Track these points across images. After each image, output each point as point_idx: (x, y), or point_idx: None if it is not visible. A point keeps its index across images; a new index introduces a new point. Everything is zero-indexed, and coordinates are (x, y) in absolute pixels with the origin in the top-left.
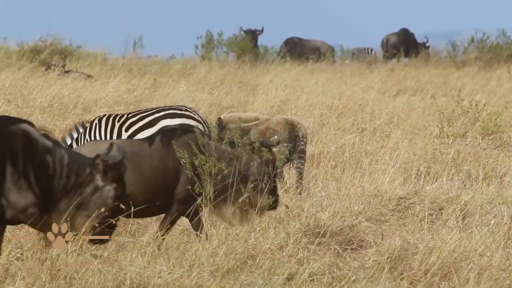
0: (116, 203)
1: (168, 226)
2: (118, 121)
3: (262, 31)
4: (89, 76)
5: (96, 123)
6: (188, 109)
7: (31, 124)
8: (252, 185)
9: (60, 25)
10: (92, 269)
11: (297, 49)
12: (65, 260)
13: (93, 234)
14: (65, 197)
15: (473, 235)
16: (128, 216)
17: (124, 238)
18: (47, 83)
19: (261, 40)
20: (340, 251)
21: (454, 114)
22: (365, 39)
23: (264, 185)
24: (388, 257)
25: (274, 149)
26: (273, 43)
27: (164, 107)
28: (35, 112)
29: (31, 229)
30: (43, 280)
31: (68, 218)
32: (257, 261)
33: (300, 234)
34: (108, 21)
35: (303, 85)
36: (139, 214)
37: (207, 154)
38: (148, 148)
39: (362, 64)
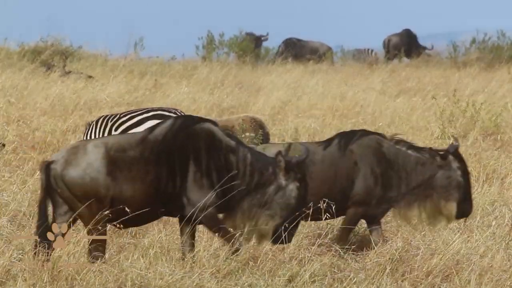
0: (300, 204)
1: (347, 231)
2: (111, 121)
3: (267, 37)
4: (90, 77)
5: (93, 124)
6: (178, 112)
7: (214, 123)
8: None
9: (61, 26)
10: (93, 270)
11: (295, 50)
12: (66, 261)
13: (273, 236)
14: (248, 196)
15: (474, 237)
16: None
17: (125, 239)
18: (48, 84)
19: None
20: (341, 252)
21: (454, 114)
22: (366, 40)
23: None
24: (389, 259)
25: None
26: (274, 44)
27: (154, 107)
28: (36, 113)
29: (32, 230)
30: (44, 281)
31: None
32: (258, 262)
33: (301, 235)
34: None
35: (304, 86)
36: (306, 217)
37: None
38: (321, 151)
39: (363, 65)
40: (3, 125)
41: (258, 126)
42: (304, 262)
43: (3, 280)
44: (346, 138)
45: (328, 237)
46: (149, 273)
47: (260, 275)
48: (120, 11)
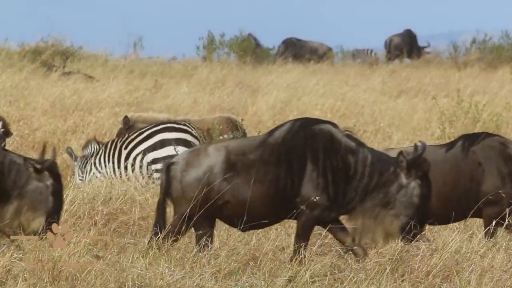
0: (423, 201)
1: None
2: (119, 141)
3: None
4: (90, 77)
5: (103, 148)
6: (187, 124)
7: (334, 125)
8: None
9: (61, 26)
10: (94, 270)
11: (295, 50)
12: (67, 261)
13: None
14: (370, 196)
15: (474, 237)
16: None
17: (125, 239)
18: (49, 84)
19: (261, 41)
20: (342, 252)
21: (455, 115)
22: (366, 40)
23: None
24: (389, 259)
25: None
26: (274, 44)
27: (164, 121)
28: (36, 113)
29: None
30: (45, 281)
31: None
32: (258, 262)
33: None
34: (109, 22)
35: (305, 86)
36: (440, 221)
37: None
38: (443, 153)
39: (363, 65)
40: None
41: (234, 126)
42: (305, 262)
43: (3, 280)
44: (470, 140)
45: (329, 237)
46: (150, 273)
47: (260, 275)
48: (121, 11)
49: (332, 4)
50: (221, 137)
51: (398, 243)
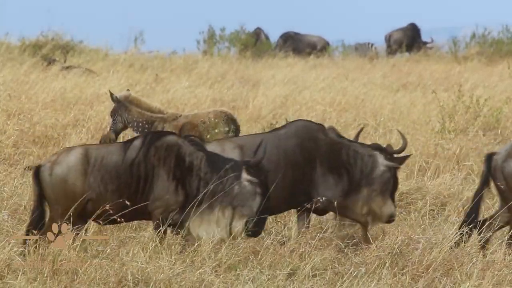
0: None
1: None
2: None
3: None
4: (90, 71)
5: None
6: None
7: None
8: None
9: (62, 20)
10: (94, 264)
11: (293, 44)
12: (67, 255)
13: None
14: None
15: (474, 231)
16: None
17: (126, 233)
18: (49, 78)
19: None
20: (342, 246)
21: (456, 109)
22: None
23: None
24: (389, 253)
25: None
26: (274, 38)
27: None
28: (37, 107)
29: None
30: (45, 275)
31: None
32: (259, 256)
33: (302, 229)
34: (109, 16)
35: (305, 80)
36: None
37: None
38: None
39: (364, 59)
40: (3, 119)
41: (230, 119)
42: (305, 256)
43: (4, 274)
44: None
45: (329, 231)
46: (150, 267)
47: (261, 269)
48: (121, 5)
49: None
50: (216, 131)
51: (398, 237)
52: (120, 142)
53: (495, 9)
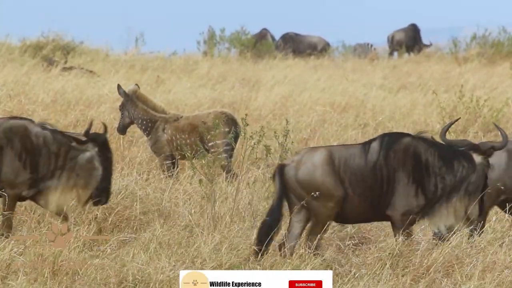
0: None
1: None
2: None
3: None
4: (91, 72)
5: None
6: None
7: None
8: None
9: (62, 21)
10: (94, 265)
11: (293, 45)
12: (67, 256)
13: None
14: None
15: (475, 232)
16: None
17: (126, 234)
18: (49, 79)
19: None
20: (342, 247)
21: (456, 110)
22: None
23: None
24: (390, 253)
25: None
26: (275, 39)
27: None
28: (38, 108)
29: (32, 224)
30: (45, 276)
31: None
32: (259, 257)
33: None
34: (110, 17)
35: (305, 81)
36: None
37: None
38: None
39: (364, 60)
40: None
41: (231, 120)
42: (305, 257)
43: (4, 275)
44: None
45: (329, 231)
46: (150, 267)
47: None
48: (121, 6)
49: None
50: (216, 131)
51: (397, 237)
52: (358, 144)
53: (496, 10)
